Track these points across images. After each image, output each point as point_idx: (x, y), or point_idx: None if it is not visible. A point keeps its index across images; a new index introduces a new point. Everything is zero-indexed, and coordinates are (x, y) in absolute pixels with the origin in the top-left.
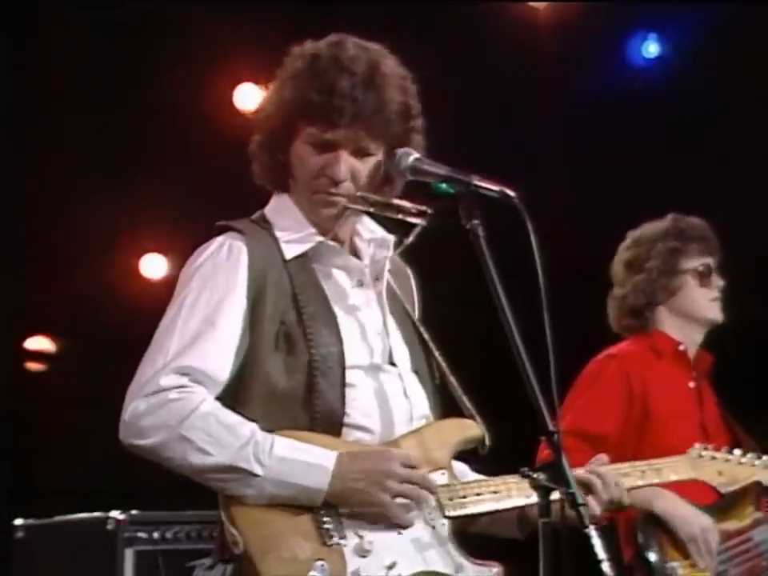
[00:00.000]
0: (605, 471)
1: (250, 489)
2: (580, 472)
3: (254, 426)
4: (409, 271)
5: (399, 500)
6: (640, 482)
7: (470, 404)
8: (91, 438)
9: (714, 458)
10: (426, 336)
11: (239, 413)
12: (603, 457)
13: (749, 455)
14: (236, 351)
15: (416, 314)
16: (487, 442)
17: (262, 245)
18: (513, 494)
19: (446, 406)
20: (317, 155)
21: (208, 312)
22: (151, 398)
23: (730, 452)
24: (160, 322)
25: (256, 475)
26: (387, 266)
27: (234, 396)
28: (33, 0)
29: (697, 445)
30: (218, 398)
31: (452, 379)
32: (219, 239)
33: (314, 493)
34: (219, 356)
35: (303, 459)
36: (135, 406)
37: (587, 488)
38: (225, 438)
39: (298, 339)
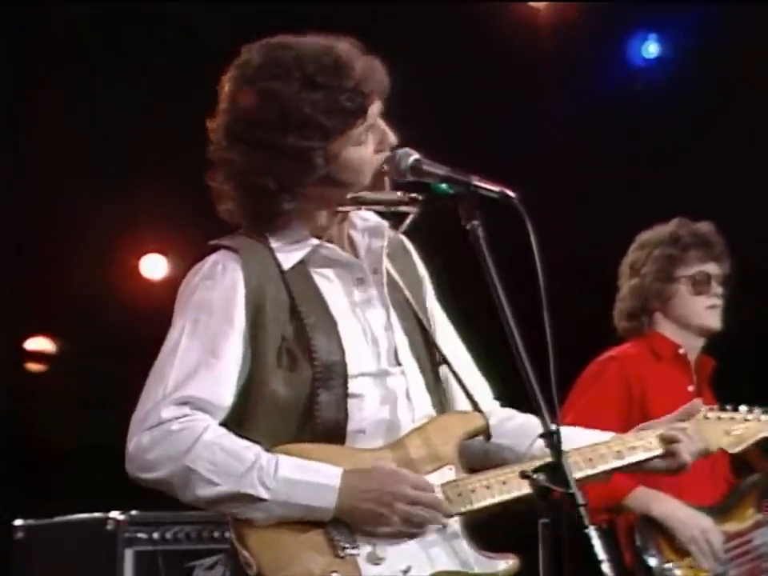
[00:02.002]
0: (686, 425)
1: (258, 512)
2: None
3: (258, 449)
4: (408, 245)
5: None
6: (651, 453)
7: (471, 391)
8: (91, 439)
9: (719, 417)
10: (425, 324)
11: (244, 434)
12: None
13: (755, 410)
14: (238, 375)
15: (427, 287)
16: (491, 431)
17: (257, 259)
18: (521, 482)
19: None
20: (366, 145)
21: (207, 340)
22: (154, 430)
23: (736, 409)
24: (162, 346)
25: (263, 500)
26: (385, 252)
27: (240, 415)
28: None
29: (702, 408)
30: (223, 422)
31: (453, 367)
32: (212, 258)
33: (322, 512)
34: (221, 384)
35: (309, 479)
36: (138, 439)
37: (674, 442)
38: (230, 465)
39: (300, 353)
